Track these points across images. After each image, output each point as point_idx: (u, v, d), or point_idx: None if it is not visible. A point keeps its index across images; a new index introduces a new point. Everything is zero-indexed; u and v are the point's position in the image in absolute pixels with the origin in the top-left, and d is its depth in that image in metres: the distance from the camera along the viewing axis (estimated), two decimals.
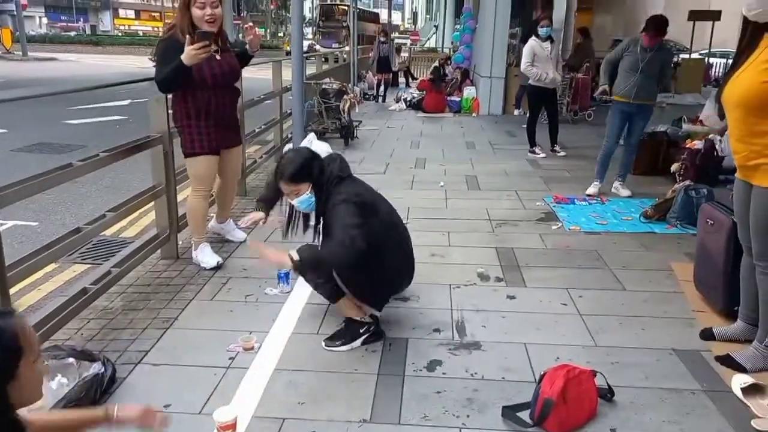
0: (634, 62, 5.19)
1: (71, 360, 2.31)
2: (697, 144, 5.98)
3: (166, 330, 2.98)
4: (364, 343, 2.85)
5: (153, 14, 52.11)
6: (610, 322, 3.12)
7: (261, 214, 3.14)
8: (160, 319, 3.10)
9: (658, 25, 5.15)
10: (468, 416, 2.33)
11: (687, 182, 4.93)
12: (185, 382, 2.54)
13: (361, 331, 2.86)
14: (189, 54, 3.27)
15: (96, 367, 2.31)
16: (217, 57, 3.56)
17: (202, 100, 3.54)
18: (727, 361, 2.66)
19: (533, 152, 7.58)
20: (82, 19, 52.79)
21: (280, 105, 6.84)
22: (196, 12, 3.38)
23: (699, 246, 3.29)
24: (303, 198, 2.80)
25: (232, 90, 3.74)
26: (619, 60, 5.36)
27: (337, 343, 2.84)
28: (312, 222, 3.00)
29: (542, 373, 2.34)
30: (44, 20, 52.07)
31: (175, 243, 3.94)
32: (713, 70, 17.69)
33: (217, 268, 3.72)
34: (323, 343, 2.84)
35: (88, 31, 50.14)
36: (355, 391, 2.49)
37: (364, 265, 2.63)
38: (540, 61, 7.16)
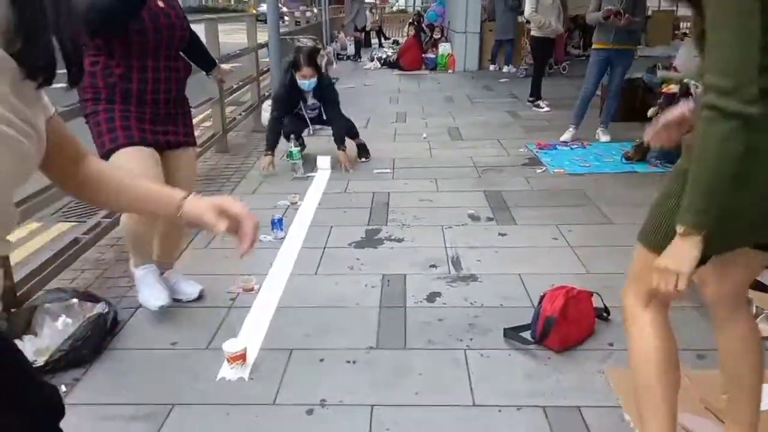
0: (613, 8, 5.20)
1: (74, 301, 2.30)
2: (673, 88, 6.07)
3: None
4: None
5: None
6: (600, 252, 3.20)
7: (270, 157, 4.63)
8: None
9: None
10: (471, 339, 2.39)
11: None
12: (189, 322, 2.56)
13: None
14: None
15: (100, 307, 2.31)
16: (160, 3, 2.41)
17: (133, 76, 2.36)
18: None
19: (538, 106, 7.41)
20: None
21: (256, 61, 6.71)
22: None
23: None
24: (313, 81, 4.69)
25: (177, 61, 2.54)
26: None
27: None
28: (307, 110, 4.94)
29: (542, 294, 2.41)
30: None
31: None
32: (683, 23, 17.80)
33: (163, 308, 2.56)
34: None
35: None
36: (359, 322, 2.53)
37: None
38: (543, 9, 7.06)
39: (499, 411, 1.98)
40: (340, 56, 13.44)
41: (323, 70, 7.86)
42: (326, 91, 4.87)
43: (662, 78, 6.90)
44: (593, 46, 5.49)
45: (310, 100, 4.87)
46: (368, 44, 15.77)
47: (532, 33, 7.38)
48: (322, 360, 2.27)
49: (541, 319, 2.28)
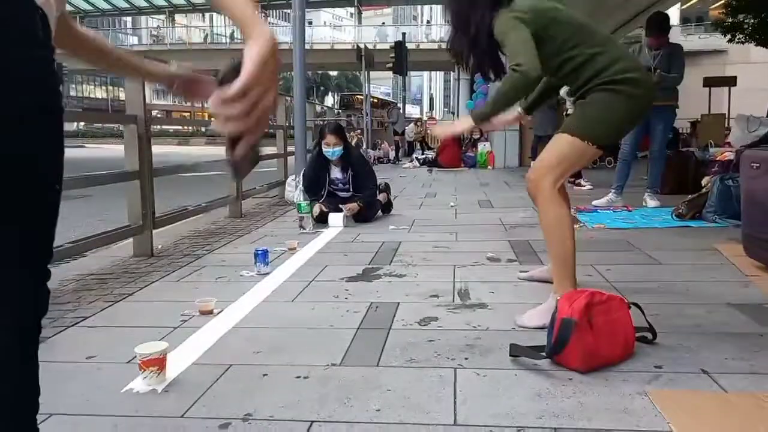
0: (646, 65, 4.87)
1: None
2: (728, 155, 5.53)
3: (116, 302, 2.54)
4: None
5: (184, 114, 54.30)
6: (645, 286, 2.59)
7: (318, 204, 4.46)
8: (114, 294, 2.66)
9: (659, 23, 4.91)
10: (466, 358, 1.80)
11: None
12: (119, 339, 2.07)
13: None
14: None
15: None
16: None
17: None
18: None
19: (579, 185, 6.93)
20: None
21: (284, 138, 6.66)
22: None
23: (746, 199, 2.79)
24: (337, 150, 4.48)
25: None
26: None
27: None
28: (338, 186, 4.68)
29: (557, 298, 1.82)
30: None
31: (150, 238, 3.54)
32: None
33: None
34: None
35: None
36: (327, 341, 1.99)
37: None
38: None
39: None
40: (381, 160, 13.55)
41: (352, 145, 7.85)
42: (356, 162, 4.68)
43: (715, 154, 6.40)
44: None
45: (336, 173, 4.63)
46: (411, 152, 15.94)
47: (569, 112, 7.07)
48: (265, 375, 1.73)
49: (557, 323, 1.69)
